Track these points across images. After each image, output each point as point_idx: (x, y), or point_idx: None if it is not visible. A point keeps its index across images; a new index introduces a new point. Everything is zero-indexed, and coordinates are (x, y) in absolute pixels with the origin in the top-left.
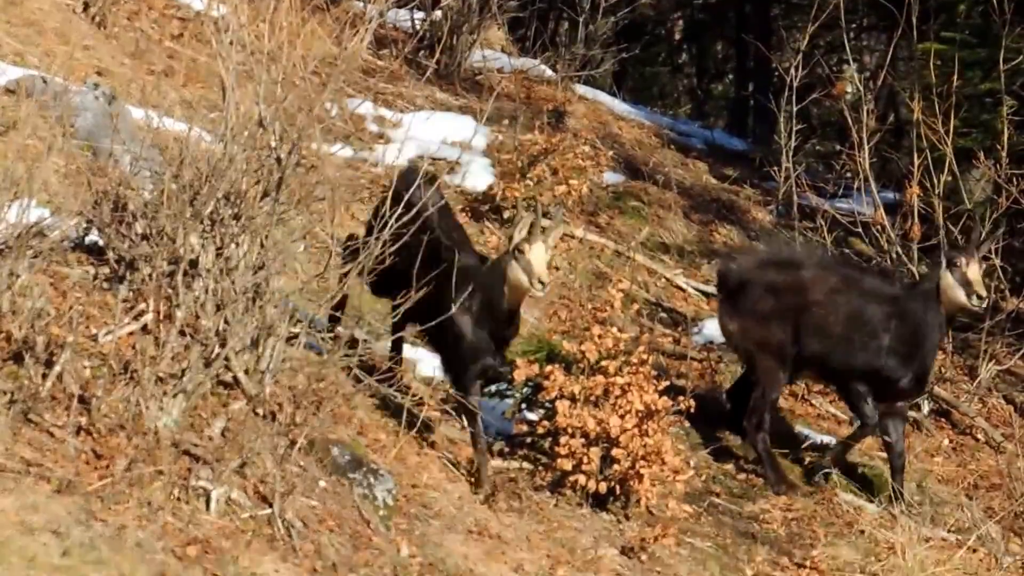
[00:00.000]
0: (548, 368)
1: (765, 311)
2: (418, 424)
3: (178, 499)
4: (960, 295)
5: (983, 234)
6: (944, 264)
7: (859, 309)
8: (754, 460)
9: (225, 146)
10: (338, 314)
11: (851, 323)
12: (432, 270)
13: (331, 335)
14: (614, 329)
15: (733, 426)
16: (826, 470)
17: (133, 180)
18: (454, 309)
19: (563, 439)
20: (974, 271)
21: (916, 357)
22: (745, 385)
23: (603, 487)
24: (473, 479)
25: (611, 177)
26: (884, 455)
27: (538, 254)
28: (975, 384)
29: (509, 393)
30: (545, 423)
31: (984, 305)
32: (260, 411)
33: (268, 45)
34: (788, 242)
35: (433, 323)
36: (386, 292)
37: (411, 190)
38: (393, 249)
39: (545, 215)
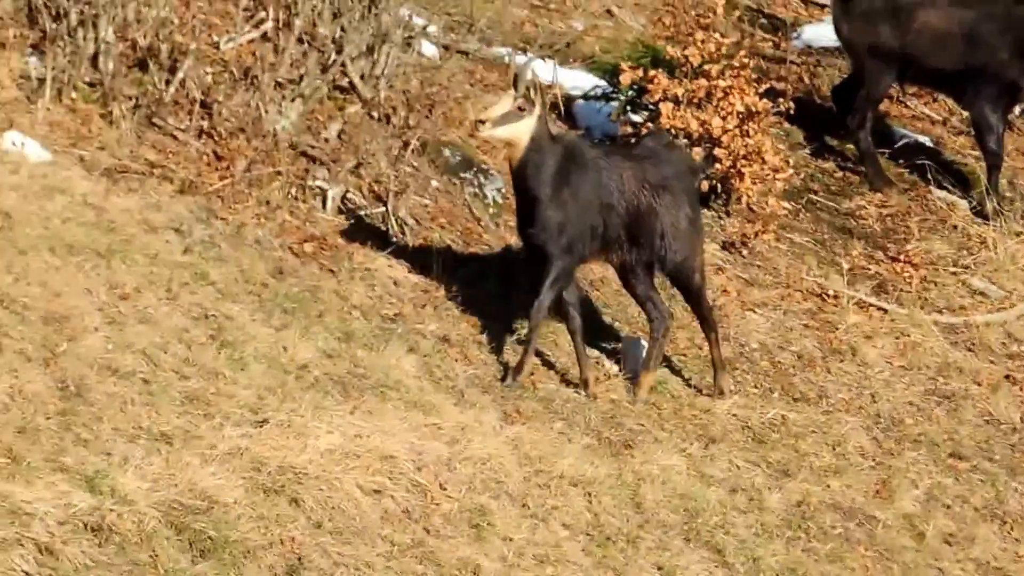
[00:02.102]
0: (652, 72)
1: (875, 12)
2: None
3: (295, 198)
4: None
5: None
6: None
7: (971, 14)
8: (853, 158)
9: None
10: None
11: (964, 26)
12: None
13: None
14: (716, 34)
15: (836, 125)
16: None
17: None
18: None
19: None
20: None
21: None
22: (851, 85)
23: (705, 185)
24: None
25: None
26: (978, 153)
27: (499, 103)
28: None
29: (615, 96)
30: (650, 124)
31: None
32: (375, 114)
33: None
34: None
35: None
36: None
37: None
38: None
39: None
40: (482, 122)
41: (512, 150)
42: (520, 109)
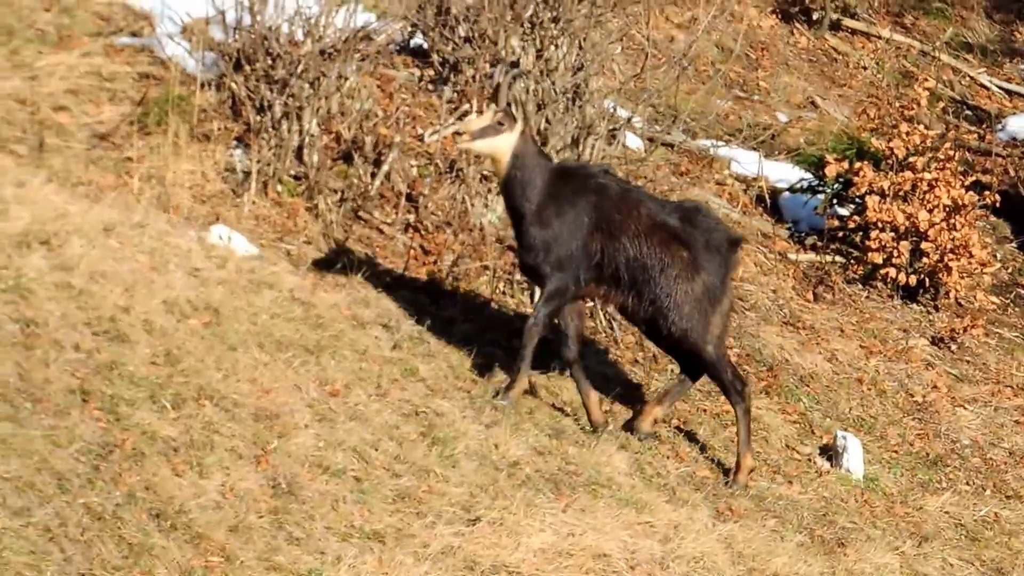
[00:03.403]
0: (858, 164)
1: None
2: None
3: (503, 293)
4: None
5: None
6: None
7: None
8: None
9: None
10: None
11: None
12: None
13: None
14: (921, 126)
15: None
16: None
17: None
18: None
19: (873, 233)
20: None
21: None
22: None
23: (913, 279)
24: None
25: None
26: None
27: (481, 117)
28: None
29: (821, 188)
30: (856, 218)
31: None
32: None
33: None
34: None
35: None
36: None
37: None
38: None
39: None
40: (460, 134)
41: (496, 165)
42: (499, 124)
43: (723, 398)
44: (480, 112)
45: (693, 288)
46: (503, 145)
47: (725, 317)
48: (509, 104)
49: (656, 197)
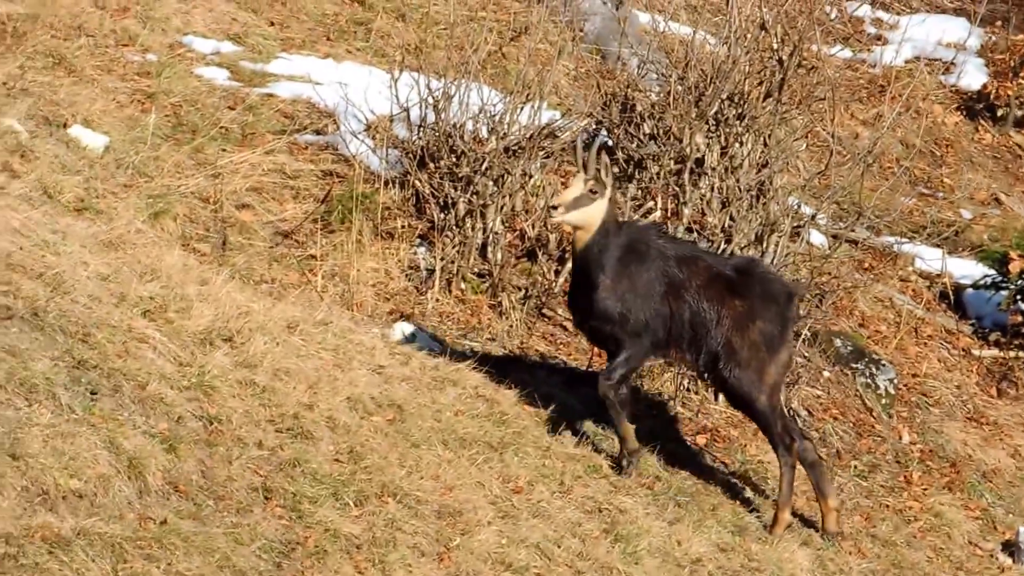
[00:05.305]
0: None
1: None
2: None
3: (687, 389)
4: None
5: None
6: None
7: None
8: None
9: (729, 49)
10: None
11: None
12: None
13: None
14: None
15: None
16: None
17: (640, 82)
18: None
19: None
20: None
21: None
22: None
23: None
24: None
25: None
26: None
27: (571, 187)
28: None
29: (1004, 285)
30: None
31: None
32: None
33: None
34: None
35: None
36: None
37: None
38: None
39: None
40: (555, 207)
41: (581, 233)
42: (592, 192)
43: (906, 493)
44: (564, 184)
45: (749, 336)
46: (596, 213)
47: (783, 368)
48: (597, 170)
49: (711, 252)
